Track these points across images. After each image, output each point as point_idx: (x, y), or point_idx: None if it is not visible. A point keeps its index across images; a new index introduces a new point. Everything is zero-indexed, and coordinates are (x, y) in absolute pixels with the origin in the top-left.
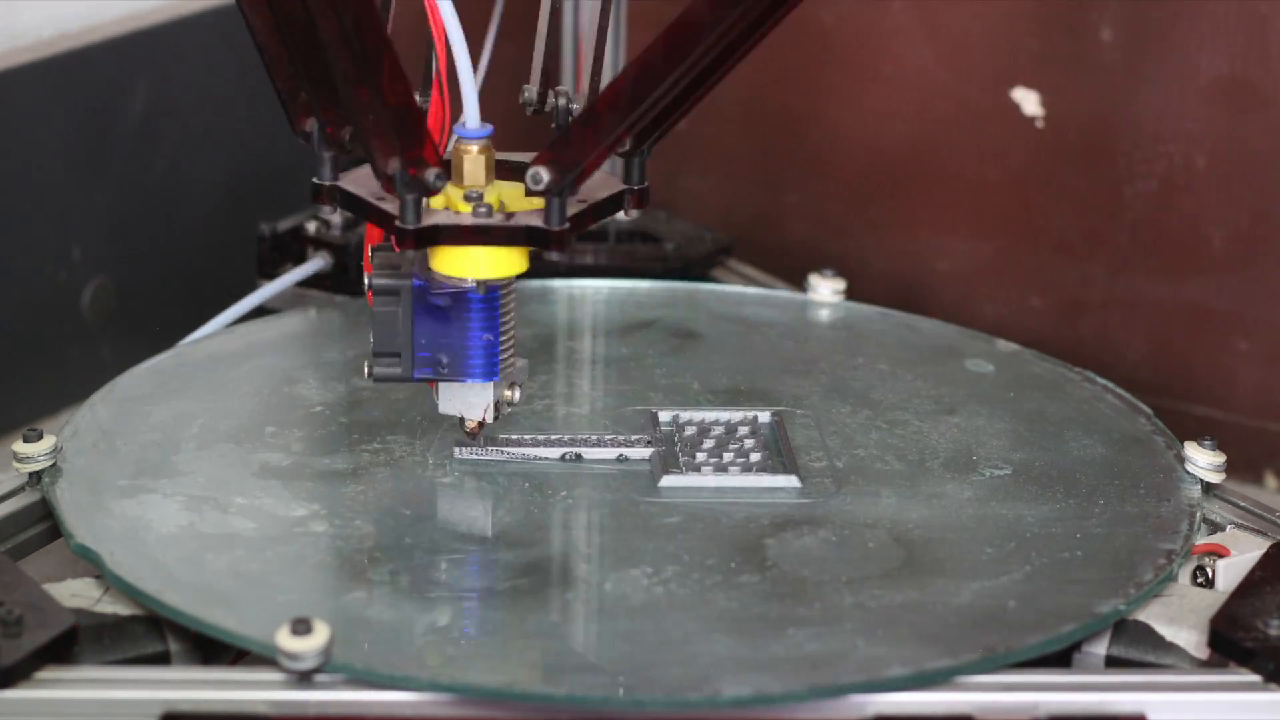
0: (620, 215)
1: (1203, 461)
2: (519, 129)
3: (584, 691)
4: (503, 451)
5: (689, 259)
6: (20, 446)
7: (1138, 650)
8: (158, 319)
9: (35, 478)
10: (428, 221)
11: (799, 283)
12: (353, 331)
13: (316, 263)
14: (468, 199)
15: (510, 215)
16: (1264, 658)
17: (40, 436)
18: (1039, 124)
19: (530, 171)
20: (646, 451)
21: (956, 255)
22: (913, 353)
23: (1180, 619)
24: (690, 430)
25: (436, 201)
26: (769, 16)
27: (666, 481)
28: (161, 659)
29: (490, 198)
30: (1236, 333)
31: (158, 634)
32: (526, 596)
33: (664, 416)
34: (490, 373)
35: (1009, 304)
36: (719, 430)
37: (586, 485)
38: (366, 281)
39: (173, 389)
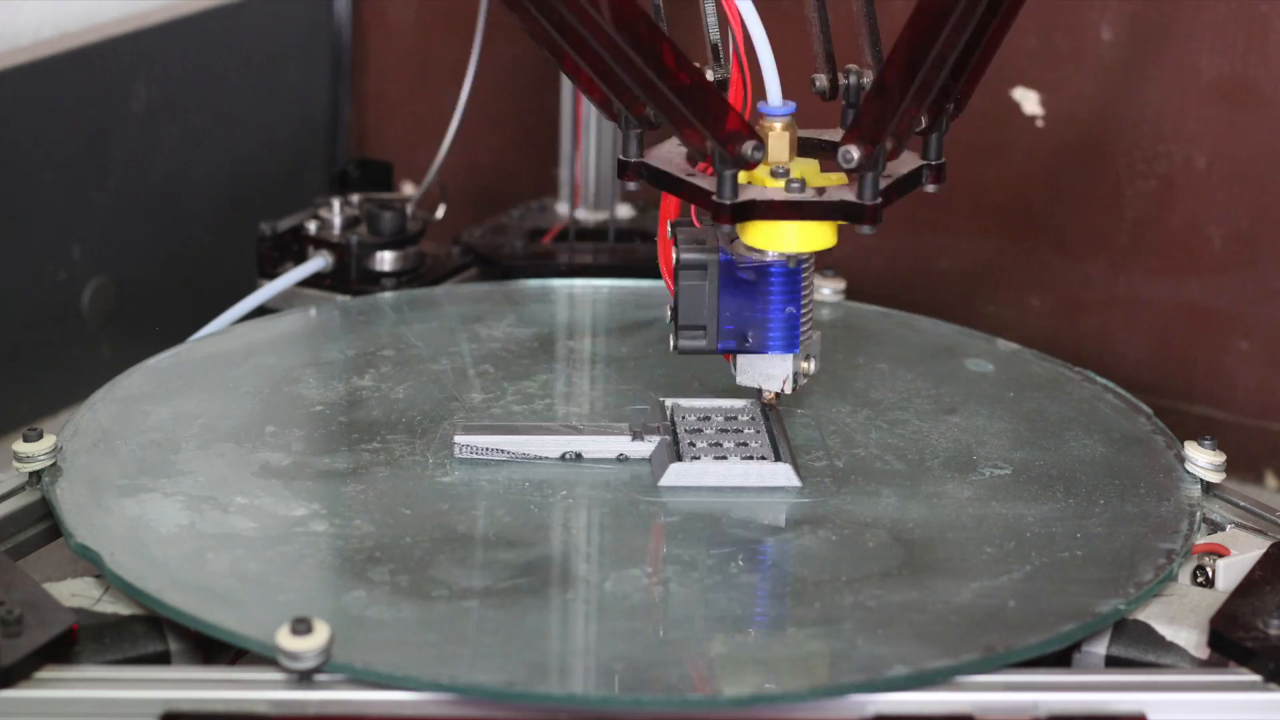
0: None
1: (1203, 461)
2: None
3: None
4: (502, 451)
5: None
6: (20, 446)
7: (1138, 650)
8: (158, 319)
9: (35, 477)
10: (741, 197)
11: None
12: (352, 331)
13: (317, 262)
14: (775, 175)
15: (821, 191)
16: (1264, 657)
17: (40, 436)
18: (1039, 124)
19: (841, 151)
20: (646, 449)
21: (956, 255)
22: (913, 352)
23: (1180, 619)
24: (690, 419)
25: (741, 176)
26: None
27: (669, 473)
28: (161, 658)
29: (795, 174)
30: (1236, 333)
31: (158, 633)
32: (526, 596)
33: (665, 405)
34: (791, 344)
35: (1009, 304)
36: (718, 419)
37: (586, 484)
38: (675, 257)
39: (173, 389)
